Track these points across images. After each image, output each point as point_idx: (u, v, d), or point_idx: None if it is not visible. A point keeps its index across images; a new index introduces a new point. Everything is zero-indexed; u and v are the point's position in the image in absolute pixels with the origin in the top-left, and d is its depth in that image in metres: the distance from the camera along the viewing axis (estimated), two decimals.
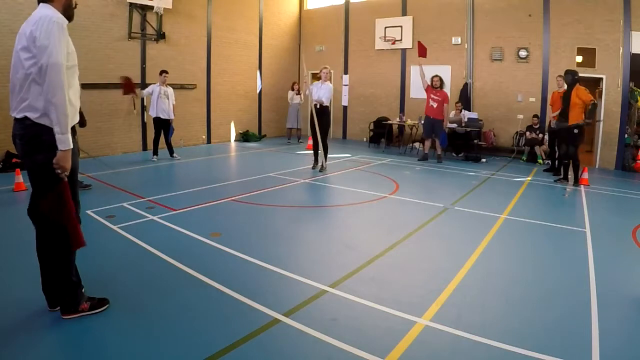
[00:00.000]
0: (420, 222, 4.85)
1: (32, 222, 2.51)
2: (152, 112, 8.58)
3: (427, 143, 9.54)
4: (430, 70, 10.32)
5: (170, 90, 8.73)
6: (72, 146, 2.27)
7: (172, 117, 8.72)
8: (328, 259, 3.77)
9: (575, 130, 7.17)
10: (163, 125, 8.66)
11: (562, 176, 7.54)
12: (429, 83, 9.27)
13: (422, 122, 9.74)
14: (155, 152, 8.72)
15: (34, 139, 2.32)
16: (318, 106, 7.68)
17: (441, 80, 9.22)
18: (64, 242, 2.42)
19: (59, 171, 2.29)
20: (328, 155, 8.10)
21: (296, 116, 11.90)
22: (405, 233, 4.45)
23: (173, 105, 8.75)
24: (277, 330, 2.54)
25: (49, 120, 2.25)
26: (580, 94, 7.12)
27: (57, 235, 2.40)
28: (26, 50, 2.24)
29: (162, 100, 8.52)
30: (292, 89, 12.10)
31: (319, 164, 7.94)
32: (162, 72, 8.68)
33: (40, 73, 2.20)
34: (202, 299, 2.92)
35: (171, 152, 8.95)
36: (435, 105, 9.13)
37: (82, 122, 5.80)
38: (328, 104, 7.85)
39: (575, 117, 7.12)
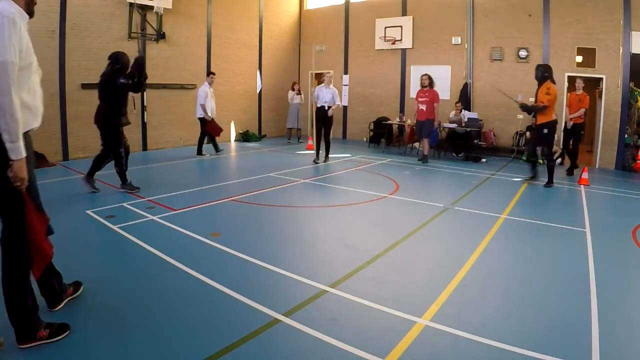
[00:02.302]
0: (420, 222, 4.85)
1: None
2: (211, 114, 9.09)
3: (424, 143, 9.47)
4: (431, 71, 10.32)
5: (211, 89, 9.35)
6: (24, 154, 2.05)
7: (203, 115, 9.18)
8: (328, 259, 3.77)
9: (545, 130, 6.83)
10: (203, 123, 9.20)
11: (532, 175, 7.33)
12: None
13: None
14: (216, 148, 9.44)
15: None
16: (326, 107, 8.54)
17: (430, 79, 8.95)
18: (21, 261, 2.23)
19: (18, 183, 2.07)
20: (329, 155, 8.88)
21: (296, 116, 11.90)
22: (405, 233, 4.45)
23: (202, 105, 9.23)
24: (277, 330, 2.54)
25: None
26: (541, 90, 6.73)
27: (14, 253, 2.21)
28: None
29: (210, 101, 9.06)
30: (293, 89, 12.09)
31: (320, 159, 8.77)
32: (210, 73, 9.35)
33: None
34: (202, 299, 2.92)
35: (200, 150, 9.33)
36: (424, 107, 8.94)
37: (125, 121, 5.83)
38: (338, 103, 8.76)
39: (543, 116, 6.79)
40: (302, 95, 12.10)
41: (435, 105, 8.93)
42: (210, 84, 9.19)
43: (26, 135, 2.17)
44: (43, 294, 2.59)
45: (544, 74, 6.81)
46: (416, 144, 11.00)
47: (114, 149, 5.60)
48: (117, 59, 5.50)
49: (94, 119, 5.64)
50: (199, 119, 9.14)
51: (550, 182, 7.05)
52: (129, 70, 5.50)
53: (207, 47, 11.16)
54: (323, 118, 8.63)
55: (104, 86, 5.48)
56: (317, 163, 8.64)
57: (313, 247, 4.13)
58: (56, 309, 2.61)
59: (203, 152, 9.28)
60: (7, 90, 1.96)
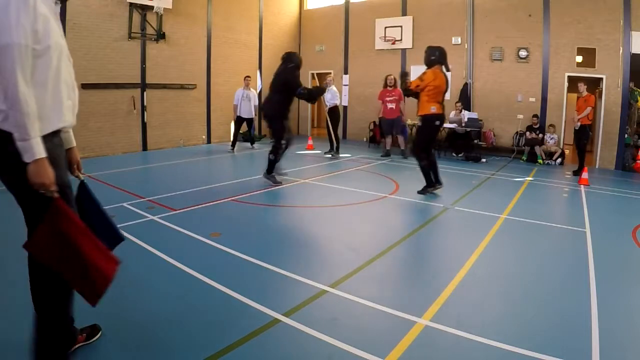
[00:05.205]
0: (420, 222, 4.85)
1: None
2: (238, 113, 10.05)
3: (388, 140, 10.00)
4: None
5: (252, 92, 10.16)
6: (43, 155, 1.69)
7: (253, 116, 10.21)
8: (328, 259, 3.77)
9: (419, 123, 6.01)
10: (246, 123, 10.28)
11: (426, 184, 6.01)
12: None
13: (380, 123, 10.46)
14: (233, 145, 10.09)
15: None
16: (328, 106, 9.76)
17: (395, 79, 9.28)
18: (58, 290, 1.94)
19: (42, 190, 1.72)
20: (339, 152, 9.82)
21: None
22: (405, 233, 4.45)
23: (255, 106, 10.08)
24: (277, 330, 2.54)
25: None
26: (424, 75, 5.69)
27: (48, 281, 1.91)
28: None
29: (244, 102, 10.00)
30: None
31: (333, 150, 9.73)
32: (246, 77, 10.26)
33: None
34: (202, 299, 2.91)
35: (252, 142, 10.78)
36: (393, 106, 9.49)
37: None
38: (336, 103, 9.82)
39: (422, 107, 5.76)
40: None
41: (402, 103, 9.51)
42: (246, 86, 10.04)
43: (55, 135, 1.89)
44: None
45: (430, 57, 5.71)
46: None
47: (276, 138, 6.16)
48: (290, 58, 6.37)
49: (261, 106, 6.40)
50: (244, 118, 10.10)
51: (430, 186, 5.90)
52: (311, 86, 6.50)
53: (207, 47, 11.16)
54: (327, 115, 9.78)
55: (284, 83, 6.20)
56: (326, 154, 9.65)
57: (313, 247, 4.13)
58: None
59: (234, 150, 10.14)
60: (12, 78, 1.61)
